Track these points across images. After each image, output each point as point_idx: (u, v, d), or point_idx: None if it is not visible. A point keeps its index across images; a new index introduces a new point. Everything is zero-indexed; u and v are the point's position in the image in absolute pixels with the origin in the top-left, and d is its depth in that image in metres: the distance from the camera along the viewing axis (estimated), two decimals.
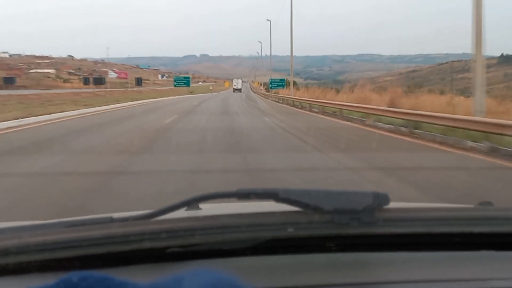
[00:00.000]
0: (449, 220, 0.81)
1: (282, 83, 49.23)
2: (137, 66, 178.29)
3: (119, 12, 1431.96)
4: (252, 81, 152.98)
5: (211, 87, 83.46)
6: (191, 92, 60.83)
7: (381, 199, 0.75)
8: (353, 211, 0.72)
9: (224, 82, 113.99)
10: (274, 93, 43.16)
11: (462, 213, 0.90)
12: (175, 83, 62.72)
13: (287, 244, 0.81)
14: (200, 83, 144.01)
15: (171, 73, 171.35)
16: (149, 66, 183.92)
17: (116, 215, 0.90)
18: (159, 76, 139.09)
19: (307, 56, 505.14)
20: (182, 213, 0.91)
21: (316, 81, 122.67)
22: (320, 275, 0.75)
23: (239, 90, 72.12)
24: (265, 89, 69.04)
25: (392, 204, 0.77)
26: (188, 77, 65.71)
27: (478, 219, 0.84)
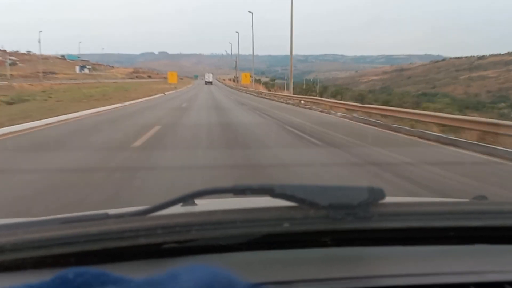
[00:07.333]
0: (444, 215, 0.81)
1: None
2: (62, 57, 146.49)
3: (77, 8, 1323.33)
4: (228, 79, 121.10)
5: None
6: None
7: (377, 194, 0.74)
8: (348, 206, 0.72)
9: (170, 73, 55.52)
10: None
11: (456, 207, 0.89)
12: None
13: (283, 239, 0.80)
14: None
15: (100, 65, 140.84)
16: (79, 57, 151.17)
17: (111, 211, 0.88)
18: (77, 69, 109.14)
19: (270, 56, 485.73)
20: (178, 209, 0.91)
21: (283, 81, 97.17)
22: (316, 270, 0.75)
23: (210, 82, 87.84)
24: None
25: (388, 199, 0.77)
26: None
27: (472, 213, 0.83)
